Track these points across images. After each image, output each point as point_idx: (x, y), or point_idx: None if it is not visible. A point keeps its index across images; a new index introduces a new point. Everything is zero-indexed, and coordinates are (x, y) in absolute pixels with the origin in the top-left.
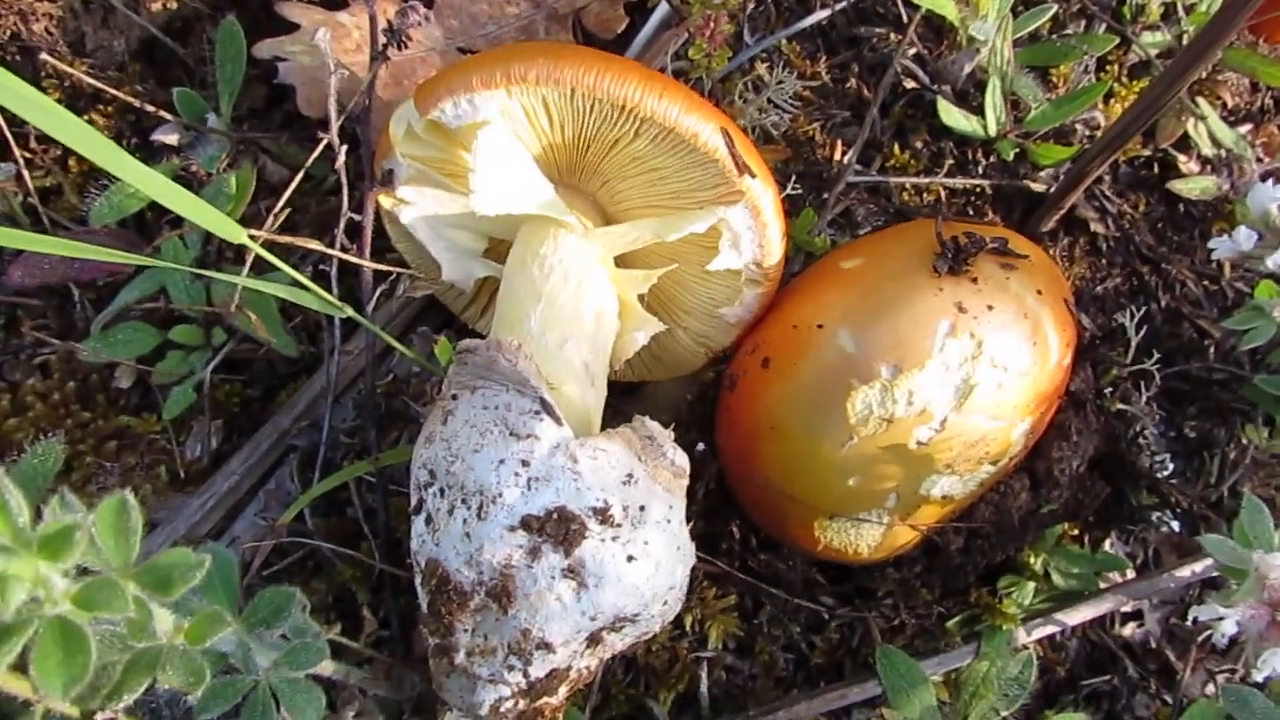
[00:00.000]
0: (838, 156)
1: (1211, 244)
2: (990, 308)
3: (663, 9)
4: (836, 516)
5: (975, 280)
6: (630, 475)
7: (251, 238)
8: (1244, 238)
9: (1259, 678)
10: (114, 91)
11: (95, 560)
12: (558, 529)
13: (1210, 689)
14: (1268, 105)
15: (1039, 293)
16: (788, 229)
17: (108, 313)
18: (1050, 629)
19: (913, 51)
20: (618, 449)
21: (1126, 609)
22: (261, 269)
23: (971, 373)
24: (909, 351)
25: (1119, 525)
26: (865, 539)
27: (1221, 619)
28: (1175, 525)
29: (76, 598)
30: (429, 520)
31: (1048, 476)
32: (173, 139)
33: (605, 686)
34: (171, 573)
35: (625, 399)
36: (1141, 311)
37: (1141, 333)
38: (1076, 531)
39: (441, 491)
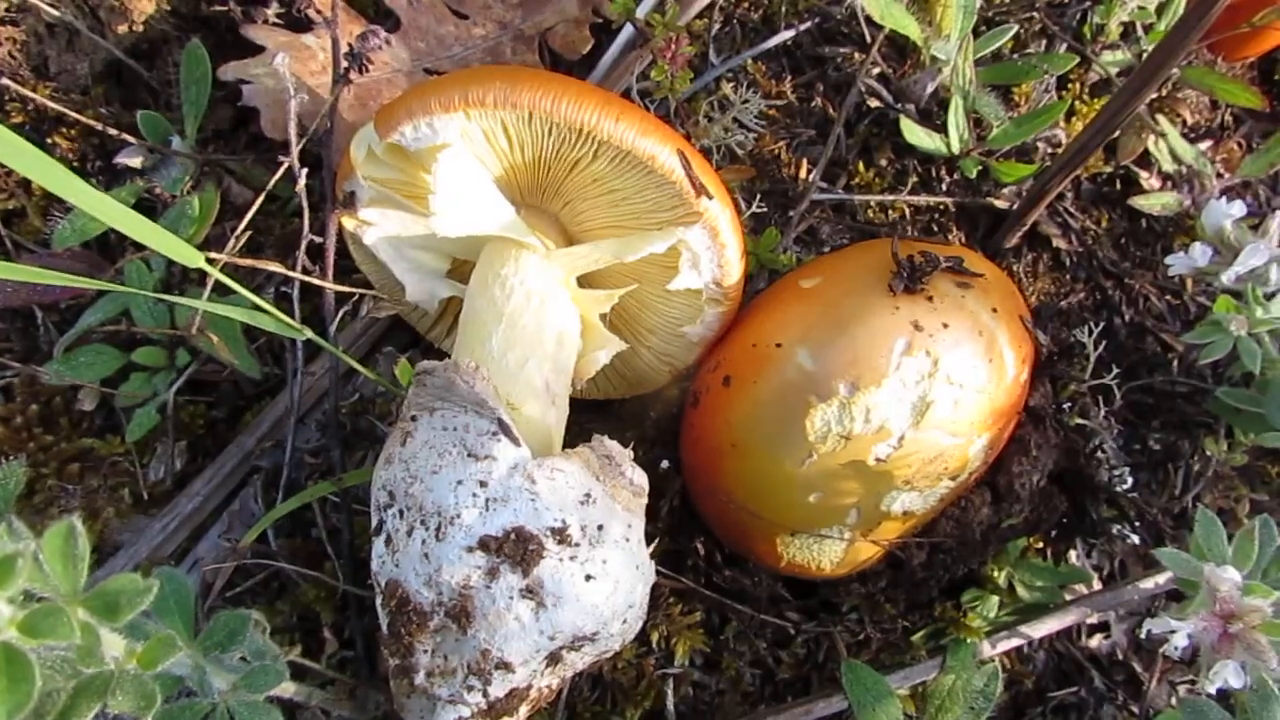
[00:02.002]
0: (803, 175)
1: (1168, 260)
2: (946, 325)
3: (628, 31)
4: (799, 533)
5: (931, 299)
6: (588, 495)
7: (211, 261)
8: (1199, 254)
9: (1211, 689)
10: (77, 115)
11: (44, 586)
12: (516, 549)
13: (1175, 701)
14: (1227, 122)
15: (994, 310)
16: (747, 248)
17: (70, 335)
18: (1015, 641)
19: (877, 71)
20: (575, 469)
21: (1093, 621)
22: (225, 291)
23: (928, 390)
24: (866, 369)
25: (1081, 538)
26: (828, 555)
27: (1174, 632)
28: (1135, 538)
29: (22, 625)
30: (389, 541)
31: (1008, 491)
32: (136, 161)
33: (572, 704)
34: (119, 598)
35: (590, 417)
36: (1105, 326)
37: (1105, 347)
38: (1040, 545)
39: (401, 513)
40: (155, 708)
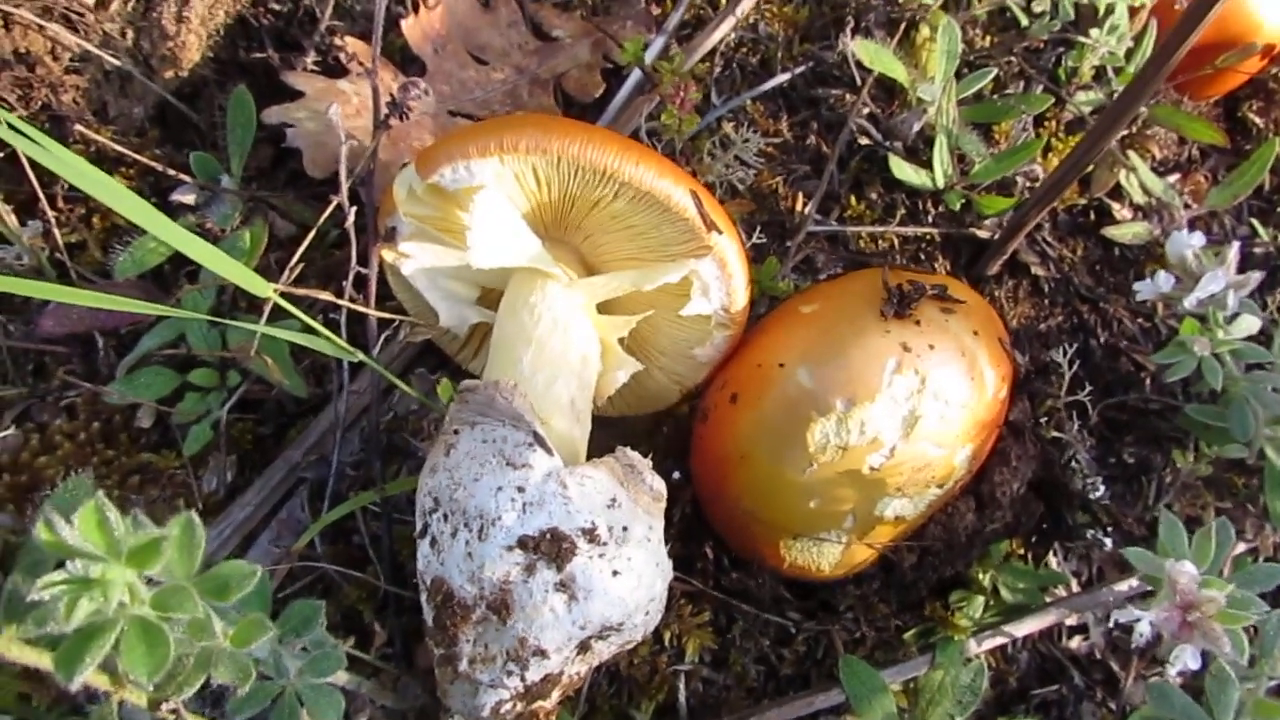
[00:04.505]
0: (799, 208)
1: (1136, 286)
2: (932, 347)
3: (637, 75)
4: (800, 536)
5: (918, 323)
6: (614, 499)
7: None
8: (1163, 281)
9: (1173, 671)
10: (135, 155)
11: (160, 571)
12: (551, 547)
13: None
14: (1194, 156)
15: (975, 333)
16: (752, 277)
17: (131, 358)
18: (999, 640)
19: (867, 111)
20: (603, 476)
21: (1072, 623)
22: (273, 317)
23: (917, 405)
24: (861, 386)
25: (1059, 542)
26: (827, 557)
27: (1139, 620)
28: (1108, 541)
29: (154, 601)
30: (434, 543)
31: (990, 498)
32: (190, 199)
33: (592, 697)
34: (229, 581)
35: (608, 433)
36: (1080, 348)
37: (1079, 367)
38: (1022, 550)
39: (445, 516)
40: (251, 680)
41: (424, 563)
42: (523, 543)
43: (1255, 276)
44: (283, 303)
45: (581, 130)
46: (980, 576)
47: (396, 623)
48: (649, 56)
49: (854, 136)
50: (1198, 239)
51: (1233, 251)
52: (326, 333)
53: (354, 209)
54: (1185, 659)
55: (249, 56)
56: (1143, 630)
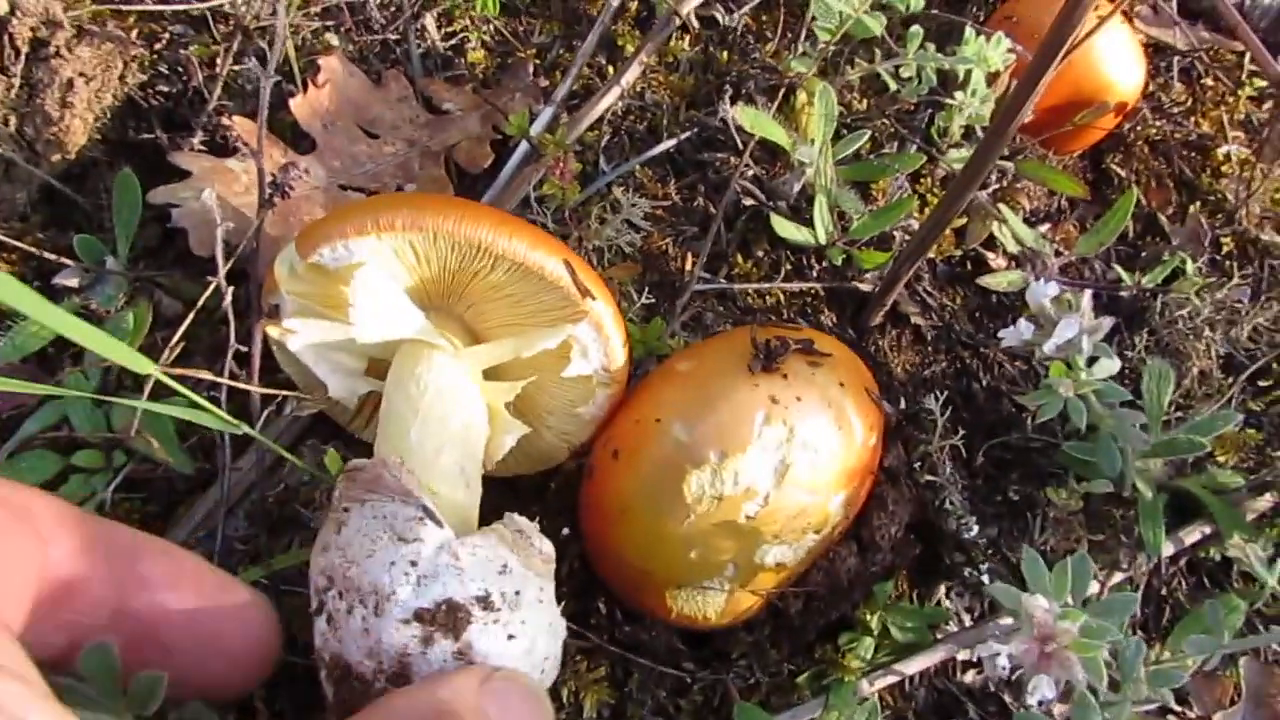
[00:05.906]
0: (688, 267)
1: (1000, 334)
2: (799, 399)
3: (524, 146)
4: (684, 586)
5: (785, 376)
6: (505, 565)
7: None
8: (1024, 328)
9: (1032, 702)
10: (16, 243)
11: None
12: (447, 618)
13: None
14: (1064, 206)
15: (841, 384)
16: (630, 337)
17: (13, 442)
18: (891, 679)
19: (750, 173)
20: (492, 544)
21: (966, 657)
22: (158, 395)
23: (787, 454)
24: (732, 438)
25: (941, 581)
26: (712, 605)
27: (997, 654)
28: (986, 579)
29: None
30: (330, 620)
31: (870, 542)
32: (74, 282)
33: None
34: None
35: (500, 493)
36: (965, 392)
37: (963, 410)
38: (909, 590)
39: (340, 594)
40: None
41: (321, 640)
42: (419, 615)
43: (1107, 322)
44: (169, 381)
45: (455, 207)
46: (868, 618)
47: (287, 695)
48: (538, 127)
49: (739, 197)
50: (1052, 289)
51: (1086, 299)
52: (210, 407)
53: (233, 289)
54: (1042, 689)
55: (138, 137)
56: (1001, 663)
